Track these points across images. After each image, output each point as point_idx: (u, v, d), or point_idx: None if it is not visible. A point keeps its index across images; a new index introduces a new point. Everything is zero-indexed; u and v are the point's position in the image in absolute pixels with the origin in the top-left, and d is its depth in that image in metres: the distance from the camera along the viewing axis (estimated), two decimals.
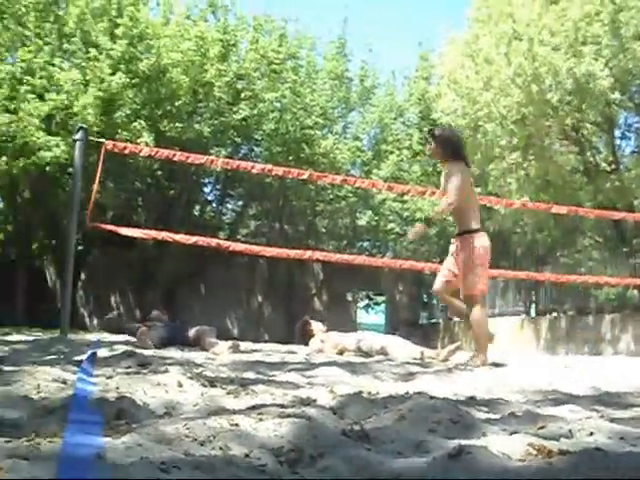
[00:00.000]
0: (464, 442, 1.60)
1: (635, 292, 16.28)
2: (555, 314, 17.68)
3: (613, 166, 16.45)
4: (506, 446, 1.62)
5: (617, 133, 17.16)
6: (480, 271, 6.08)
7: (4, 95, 15.38)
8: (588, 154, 16.70)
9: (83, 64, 16.31)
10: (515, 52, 14.64)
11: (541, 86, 14.51)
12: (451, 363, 6.07)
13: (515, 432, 1.89)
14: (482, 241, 6.09)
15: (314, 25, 28.72)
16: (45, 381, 2.68)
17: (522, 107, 15.16)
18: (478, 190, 17.74)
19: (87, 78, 15.92)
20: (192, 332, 7.83)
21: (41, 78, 15.69)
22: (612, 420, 2.10)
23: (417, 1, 61.40)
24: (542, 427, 1.95)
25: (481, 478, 1.35)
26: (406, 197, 20.00)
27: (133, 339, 7.53)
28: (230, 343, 7.22)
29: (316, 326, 8.52)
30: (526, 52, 14.25)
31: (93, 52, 16.15)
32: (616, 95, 14.42)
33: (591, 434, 1.78)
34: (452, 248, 6.24)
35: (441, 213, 6.31)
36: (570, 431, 1.84)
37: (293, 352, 6.93)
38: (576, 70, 13.65)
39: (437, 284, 6.46)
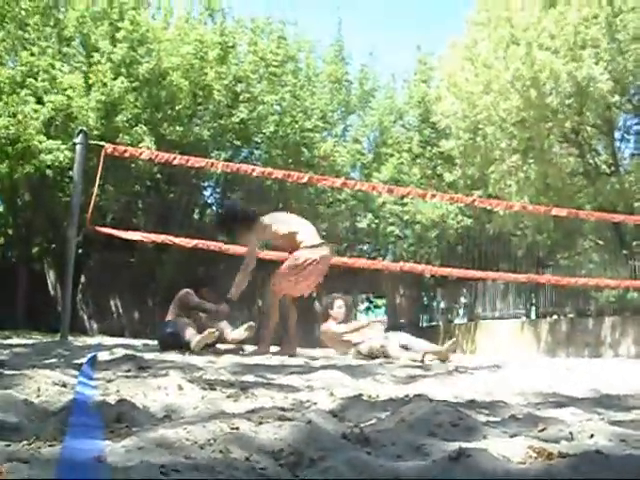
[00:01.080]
0: (464, 445, 1.59)
1: (635, 294, 16.27)
2: (555, 317, 17.69)
3: (613, 168, 16.48)
4: (506, 449, 1.62)
5: (617, 135, 17.20)
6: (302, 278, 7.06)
7: (11, 100, 15.39)
8: (588, 156, 16.73)
9: (84, 68, 16.34)
10: (513, 57, 14.66)
11: (541, 90, 14.53)
12: (451, 364, 6.06)
13: (515, 435, 1.89)
14: (307, 253, 7.01)
15: (313, 28, 28.92)
16: (45, 384, 2.68)
17: (521, 111, 15.19)
18: (479, 193, 17.78)
19: (90, 82, 15.96)
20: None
21: (44, 81, 15.72)
22: (613, 423, 2.10)
23: (417, 4, 61.47)
24: (543, 430, 1.95)
25: None
26: (406, 200, 20.01)
27: (135, 342, 7.46)
28: (245, 326, 7.25)
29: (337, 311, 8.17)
30: (524, 57, 14.27)
31: (96, 56, 16.20)
32: (616, 98, 14.45)
33: (592, 436, 1.78)
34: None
35: (242, 283, 6.91)
36: (571, 434, 1.83)
37: (293, 355, 6.93)
38: (577, 74, 13.66)
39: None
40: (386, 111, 22.33)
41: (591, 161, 16.81)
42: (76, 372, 3.29)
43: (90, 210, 8.42)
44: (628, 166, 16.16)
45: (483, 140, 16.99)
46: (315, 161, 19.05)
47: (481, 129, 16.83)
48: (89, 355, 4.41)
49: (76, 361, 4.26)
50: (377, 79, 23.00)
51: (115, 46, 16.58)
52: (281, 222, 7.27)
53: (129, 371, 3.70)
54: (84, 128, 8.68)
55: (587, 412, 2.47)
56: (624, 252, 16.31)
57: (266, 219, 7.20)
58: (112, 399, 2.33)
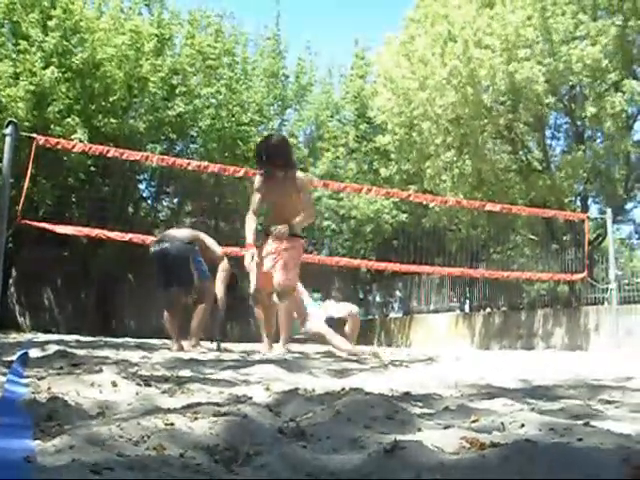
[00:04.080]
0: (399, 437, 1.61)
1: (566, 287, 16.71)
2: (489, 310, 18.03)
3: (544, 165, 16.86)
4: (440, 440, 1.64)
5: (548, 133, 17.59)
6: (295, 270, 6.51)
7: None
8: (520, 153, 17.08)
9: (13, 56, 15.89)
10: (450, 54, 14.86)
11: (476, 87, 14.76)
12: (387, 358, 6.11)
13: (449, 426, 1.91)
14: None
15: (250, 22, 28.86)
16: None
17: (457, 107, 15.40)
18: (414, 188, 17.98)
19: (18, 71, 15.53)
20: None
21: None
22: (542, 412, 2.15)
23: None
24: (475, 421, 1.98)
25: (416, 473, 1.37)
26: (342, 194, 20.09)
27: (67, 338, 7.29)
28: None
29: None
30: (461, 54, 14.47)
31: (24, 44, 15.75)
32: (549, 98, 14.77)
33: (522, 426, 1.82)
34: (271, 247, 6.41)
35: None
36: (502, 424, 1.87)
37: (229, 350, 6.90)
38: (517, 75, 13.92)
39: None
40: (322, 106, 22.38)
41: (524, 158, 17.16)
42: (6, 370, 3.21)
43: (21, 203, 8.22)
44: (558, 163, 16.54)
45: (419, 136, 17.17)
46: (251, 155, 18.95)
47: (417, 125, 17.01)
48: (19, 352, 4.31)
49: (6, 358, 4.16)
50: (314, 73, 23.02)
51: (47, 35, 16.16)
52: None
53: (61, 368, 3.63)
54: (14, 119, 8.45)
55: (518, 403, 2.52)
56: (555, 246, 16.71)
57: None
58: (43, 397, 2.28)
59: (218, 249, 7.18)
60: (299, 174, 6.52)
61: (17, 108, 14.95)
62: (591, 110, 14.39)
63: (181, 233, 7.00)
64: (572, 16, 14.14)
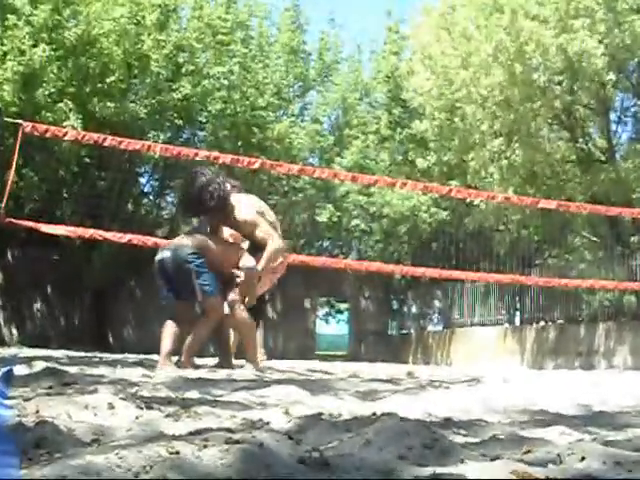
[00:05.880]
0: (439, 470, 1.61)
1: (633, 297, 16.52)
2: (542, 323, 17.89)
3: (608, 155, 16.69)
4: (487, 473, 1.64)
5: (612, 117, 17.38)
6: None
7: None
8: (580, 141, 16.90)
9: None
10: (496, 26, 14.75)
11: (527, 64, 14.65)
12: (425, 378, 6.10)
13: (497, 457, 1.90)
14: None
15: None
16: None
17: (505, 88, 15.30)
18: (456, 182, 17.95)
19: (5, 49, 15.68)
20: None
21: None
22: (606, 443, 2.13)
23: None
24: (527, 452, 1.97)
25: None
26: (373, 189, 20.06)
27: (58, 354, 7.28)
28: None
29: None
30: (508, 26, 14.36)
31: (12, 19, 15.90)
32: (611, 75, 14.62)
33: (582, 459, 1.80)
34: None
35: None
36: (559, 456, 1.86)
37: (240, 366, 6.91)
38: (568, 48, 13.78)
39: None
40: (350, 87, 22.38)
41: (584, 146, 17.02)
42: None
43: (5, 199, 8.30)
44: (625, 152, 16.38)
45: (461, 121, 17.10)
46: (268, 144, 19.02)
47: (459, 109, 16.94)
48: (3, 369, 4.35)
49: None
50: (340, 50, 23.03)
51: (36, 7, 16.31)
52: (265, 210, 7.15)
53: (51, 388, 3.66)
54: None
55: (577, 431, 2.51)
56: (620, 250, 16.56)
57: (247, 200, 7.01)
58: (30, 421, 2.30)
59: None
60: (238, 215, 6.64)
61: (2, 91, 15.10)
62: None
63: (187, 241, 6.94)
64: None
